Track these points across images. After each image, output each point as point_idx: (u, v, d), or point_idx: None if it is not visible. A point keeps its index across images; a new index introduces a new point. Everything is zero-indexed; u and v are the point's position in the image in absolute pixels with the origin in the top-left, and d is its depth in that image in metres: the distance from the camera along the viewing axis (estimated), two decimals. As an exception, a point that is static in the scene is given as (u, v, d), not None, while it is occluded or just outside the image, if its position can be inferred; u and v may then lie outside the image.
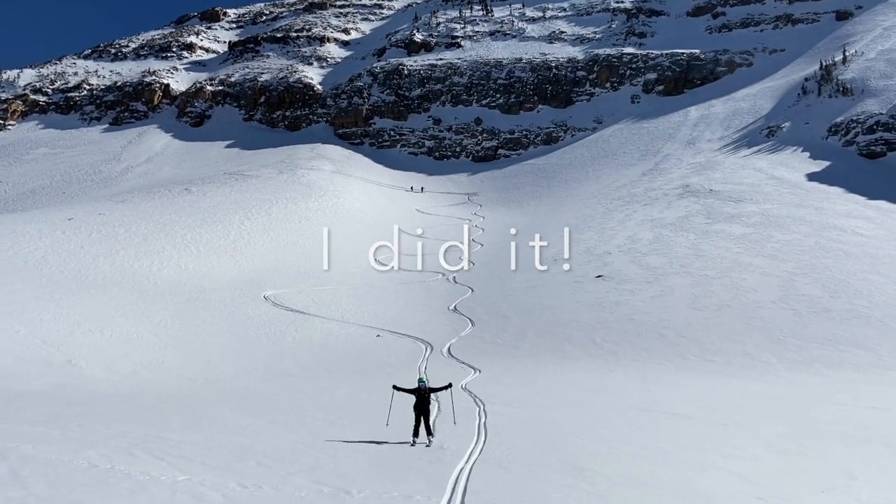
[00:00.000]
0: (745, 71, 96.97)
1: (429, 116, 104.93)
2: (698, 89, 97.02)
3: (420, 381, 13.50)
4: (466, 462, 10.82)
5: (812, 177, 57.82)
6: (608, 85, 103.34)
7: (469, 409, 16.62)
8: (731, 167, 62.96)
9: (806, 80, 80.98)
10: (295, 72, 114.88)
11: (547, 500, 8.64)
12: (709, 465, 11.44)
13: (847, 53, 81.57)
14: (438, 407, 15.87)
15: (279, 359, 27.29)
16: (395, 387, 13.77)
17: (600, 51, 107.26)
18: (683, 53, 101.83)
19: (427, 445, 12.56)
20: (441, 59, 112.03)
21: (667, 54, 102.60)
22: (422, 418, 12.94)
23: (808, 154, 64.59)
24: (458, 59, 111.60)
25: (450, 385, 14.06)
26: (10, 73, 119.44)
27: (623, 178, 69.65)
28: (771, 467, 11.48)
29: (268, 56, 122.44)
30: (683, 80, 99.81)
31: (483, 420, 15.08)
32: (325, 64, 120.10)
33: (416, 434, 12.86)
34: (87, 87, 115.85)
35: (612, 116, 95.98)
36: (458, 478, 9.73)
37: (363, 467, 10.06)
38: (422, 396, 13.06)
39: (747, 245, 40.71)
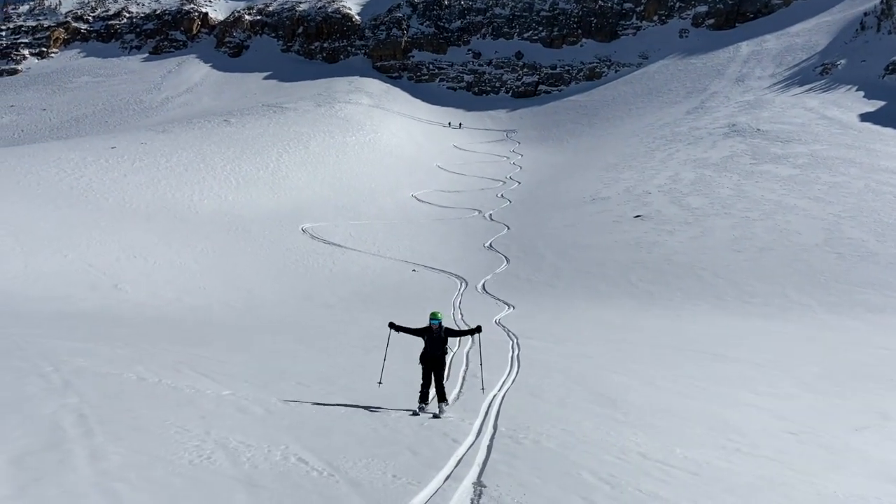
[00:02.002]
0: (801, 4, 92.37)
1: (468, 50, 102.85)
2: (751, 23, 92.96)
3: (433, 317, 9.56)
4: (499, 390, 11.00)
5: (865, 117, 55.49)
6: (656, 18, 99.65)
7: (503, 342, 16.81)
8: (781, 106, 60.76)
9: (865, 14, 76.83)
10: (333, 1, 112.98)
11: (579, 427, 8.79)
12: (742, 401, 11.46)
13: (912, -14, 76.89)
14: (470, 341, 15.70)
15: (317, 289, 27.81)
16: (392, 325, 9.73)
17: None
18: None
19: (436, 416, 8.88)
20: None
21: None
22: (432, 375, 9.35)
23: (862, 93, 61.87)
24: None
25: (478, 329, 9.90)
26: (53, 1, 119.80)
27: (667, 116, 67.84)
28: (805, 405, 11.46)
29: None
30: (736, 14, 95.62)
31: (516, 353, 15.24)
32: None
33: (423, 398, 9.21)
34: (127, 15, 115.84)
35: (659, 51, 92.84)
36: (490, 403, 9.92)
37: (399, 390, 10.31)
38: (433, 341, 9.37)
39: (793, 187, 39.63)
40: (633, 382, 12.54)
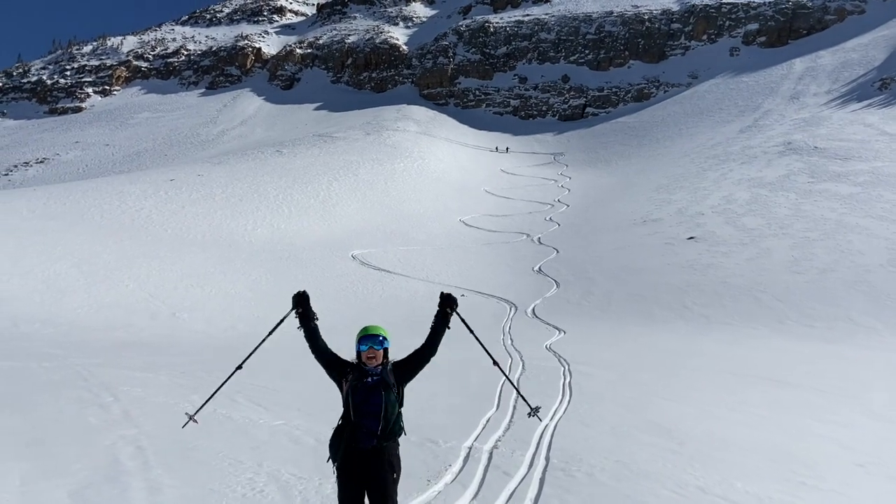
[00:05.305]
0: (856, 19, 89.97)
1: (514, 75, 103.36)
2: (804, 40, 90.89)
3: (366, 335, 4.76)
4: (551, 419, 10.82)
5: (930, 132, 53.40)
6: (705, 37, 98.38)
7: (553, 368, 16.57)
8: (839, 123, 59.01)
9: (926, 26, 74.41)
10: (381, 33, 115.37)
11: (633, 459, 8.56)
12: (806, 430, 11.00)
13: (976, -5, 74.25)
14: (521, 367, 15.63)
15: (367, 316, 27.96)
16: (300, 300, 5.07)
17: (697, 0, 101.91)
18: (789, 1, 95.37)
19: None
20: (528, 15, 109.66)
21: (770, 3, 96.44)
22: (364, 493, 4.35)
23: (926, 107, 59.63)
24: (546, 14, 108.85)
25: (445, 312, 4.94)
26: (115, 41, 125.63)
27: (719, 135, 66.63)
28: (873, 435, 10.92)
29: (354, 17, 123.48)
30: (788, 31, 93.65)
31: (568, 380, 14.99)
32: (410, 24, 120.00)
33: None
34: (185, 53, 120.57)
35: (709, 71, 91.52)
36: (542, 434, 9.76)
37: (448, 420, 10.24)
38: (366, 393, 4.52)
39: (854, 205, 38.29)
40: (690, 410, 12.17)
